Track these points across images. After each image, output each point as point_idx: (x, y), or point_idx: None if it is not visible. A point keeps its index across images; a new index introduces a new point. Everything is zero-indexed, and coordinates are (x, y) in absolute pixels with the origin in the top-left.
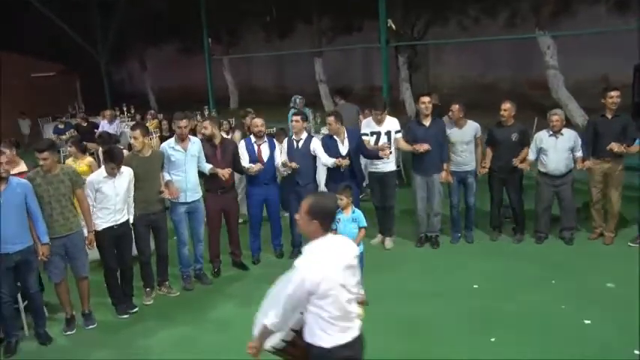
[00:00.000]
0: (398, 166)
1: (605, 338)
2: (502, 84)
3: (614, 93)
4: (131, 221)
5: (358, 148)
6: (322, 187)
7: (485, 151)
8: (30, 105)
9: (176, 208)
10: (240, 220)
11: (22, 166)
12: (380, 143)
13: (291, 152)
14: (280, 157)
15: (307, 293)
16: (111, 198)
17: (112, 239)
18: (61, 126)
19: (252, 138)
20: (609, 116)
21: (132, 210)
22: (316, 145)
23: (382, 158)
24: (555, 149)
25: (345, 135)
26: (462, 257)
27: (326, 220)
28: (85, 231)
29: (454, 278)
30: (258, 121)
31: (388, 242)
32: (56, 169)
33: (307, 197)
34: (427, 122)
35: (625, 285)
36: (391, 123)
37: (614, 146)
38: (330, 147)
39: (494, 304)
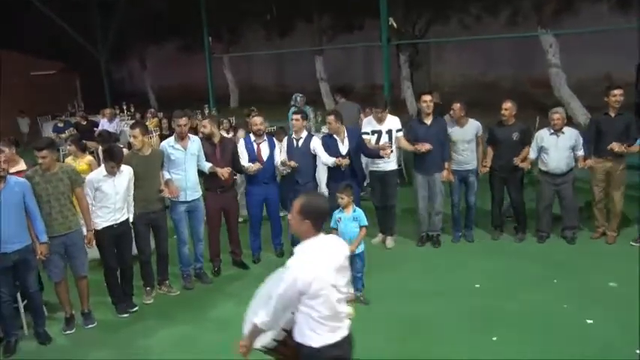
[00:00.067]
0: (399, 165)
1: (608, 338)
2: (504, 82)
3: (617, 91)
4: (131, 220)
5: (358, 147)
6: (323, 186)
7: (486, 150)
8: (29, 103)
9: (176, 207)
10: (241, 219)
11: (22, 165)
12: (381, 142)
13: (291, 151)
14: (280, 156)
15: (298, 293)
16: (111, 197)
17: (111, 238)
18: (61, 124)
19: (252, 137)
20: (612, 115)
21: (132, 209)
22: (316, 145)
23: (383, 157)
24: (556, 148)
25: (345, 134)
26: (463, 256)
27: (318, 220)
28: (85, 230)
29: (455, 277)
30: (258, 119)
31: (389, 241)
32: (55, 168)
33: (299, 197)
34: (428, 121)
35: (627, 284)
36: (392, 122)
37: (615, 146)
38: (330, 146)
39: (495, 304)
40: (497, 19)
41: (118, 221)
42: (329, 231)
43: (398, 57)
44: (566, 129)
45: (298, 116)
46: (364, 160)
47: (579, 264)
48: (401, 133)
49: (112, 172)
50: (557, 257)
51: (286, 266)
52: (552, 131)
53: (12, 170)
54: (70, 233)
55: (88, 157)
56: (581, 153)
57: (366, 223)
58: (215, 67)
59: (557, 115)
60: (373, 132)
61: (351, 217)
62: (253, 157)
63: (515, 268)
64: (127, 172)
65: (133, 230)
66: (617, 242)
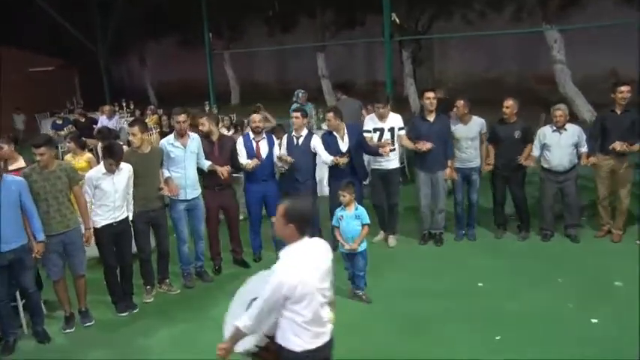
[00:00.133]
0: (402, 163)
1: (613, 337)
2: (508, 79)
3: (624, 88)
4: (130, 218)
5: (359, 144)
6: (324, 185)
7: (489, 148)
8: (28, 100)
9: (175, 206)
10: (242, 217)
11: (21, 162)
12: (383, 140)
13: (291, 149)
14: (279, 152)
15: (284, 297)
16: (110, 195)
17: (111, 236)
18: (60, 121)
19: (251, 134)
20: (618, 112)
21: (131, 207)
22: (317, 143)
23: (382, 155)
24: (559, 145)
25: (345, 131)
26: (466, 255)
27: (302, 224)
28: (83, 228)
29: (458, 276)
30: (257, 117)
31: (392, 240)
32: (53, 166)
33: (284, 201)
34: (431, 118)
35: (633, 283)
36: (395, 119)
37: (617, 145)
38: (330, 143)
39: (499, 303)
40: (502, 14)
41: (118, 219)
42: (331, 229)
43: (400, 53)
44: (568, 126)
45: (298, 114)
46: (366, 157)
47: (584, 263)
48: (403, 132)
49: (111, 170)
50: (562, 256)
51: (272, 270)
52: (555, 128)
53: (11, 167)
54: (69, 232)
55: (88, 155)
56: (584, 150)
57: (368, 221)
58: (216, 63)
59: (559, 111)
60: (375, 130)
61: (353, 215)
62: (252, 154)
63: (518, 266)
64: (126, 169)
65: (132, 228)
66: (623, 241)
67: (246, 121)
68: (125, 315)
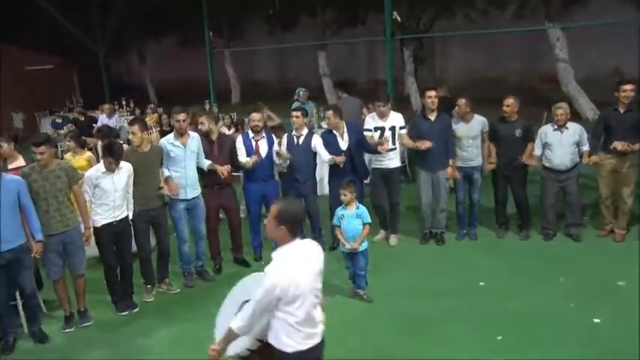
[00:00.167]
0: (403, 162)
1: (615, 337)
2: (510, 78)
3: (627, 86)
4: (130, 217)
5: (359, 142)
6: (324, 184)
7: (490, 147)
8: (27, 99)
9: (175, 205)
10: (242, 215)
11: (20, 161)
12: (386, 139)
13: (291, 148)
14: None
15: (276, 299)
16: (110, 194)
17: (111, 236)
18: (59, 120)
19: (250, 133)
20: (622, 110)
21: (131, 206)
22: (317, 142)
23: (381, 153)
24: (560, 143)
25: (345, 129)
26: (467, 254)
27: (294, 226)
28: (83, 227)
29: (460, 276)
30: (256, 115)
31: (393, 239)
32: (52, 165)
33: (276, 202)
34: (432, 117)
35: (636, 283)
36: (396, 118)
37: (618, 145)
38: (330, 142)
39: (500, 302)
40: (504, 12)
41: (118, 218)
42: (331, 228)
43: (402, 52)
44: (570, 124)
45: (298, 113)
46: (367, 157)
47: (586, 262)
48: (404, 130)
49: (110, 169)
50: (564, 255)
51: (264, 272)
52: (556, 127)
53: (11, 166)
54: (68, 231)
55: (88, 154)
56: (586, 148)
57: (369, 220)
58: (216, 62)
59: (560, 110)
60: (376, 128)
61: (354, 214)
62: (252, 153)
63: (520, 266)
64: (126, 168)
65: (132, 227)
66: (626, 240)
67: (246, 120)
68: (125, 314)
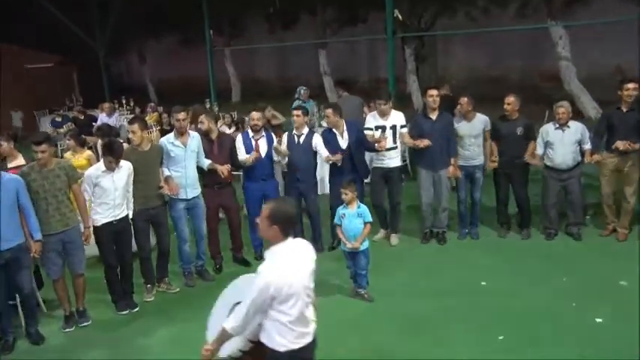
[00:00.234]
0: (404, 161)
1: (617, 337)
2: (512, 76)
3: (630, 85)
4: (130, 216)
5: (359, 141)
6: (325, 183)
7: (492, 146)
8: (26, 97)
9: (175, 205)
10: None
11: (20, 160)
12: (385, 137)
13: (292, 147)
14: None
15: (270, 298)
16: (110, 193)
17: (111, 235)
18: (59, 119)
19: (250, 132)
20: (624, 109)
21: (131, 205)
22: (318, 141)
23: (379, 151)
24: (562, 142)
25: (345, 128)
26: (469, 254)
27: (286, 226)
28: (82, 226)
29: (461, 275)
30: (255, 114)
31: (394, 239)
32: (52, 164)
33: (268, 202)
34: (434, 116)
35: (638, 283)
36: (397, 117)
37: (620, 144)
38: (330, 140)
39: (502, 302)
40: (506, 10)
41: (118, 217)
42: (330, 227)
43: (403, 50)
44: (571, 123)
45: (299, 112)
46: (368, 156)
47: (588, 262)
48: (405, 129)
49: (110, 168)
50: (566, 255)
51: (257, 272)
52: (557, 125)
53: (11, 165)
54: (68, 230)
55: (87, 152)
56: (588, 147)
57: (370, 219)
58: (216, 60)
59: (562, 109)
60: (377, 127)
61: (355, 213)
62: (251, 152)
63: (522, 265)
64: (126, 167)
65: (132, 227)
66: (629, 239)
67: (247, 118)
68: (125, 314)
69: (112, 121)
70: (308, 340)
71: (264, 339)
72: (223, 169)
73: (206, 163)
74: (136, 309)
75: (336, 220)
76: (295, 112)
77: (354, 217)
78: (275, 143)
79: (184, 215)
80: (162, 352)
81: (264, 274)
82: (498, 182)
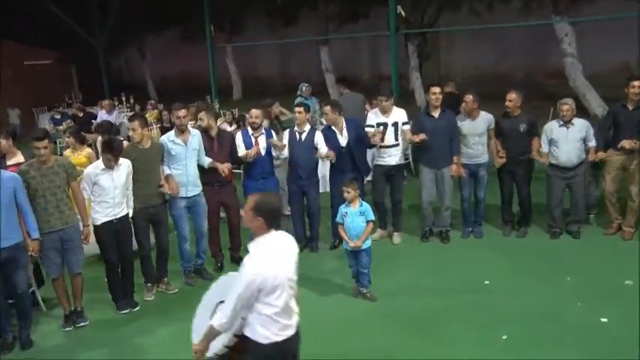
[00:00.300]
0: (407, 159)
1: (623, 337)
2: (517, 73)
3: (637, 83)
4: (130, 215)
5: (358, 138)
6: (327, 180)
7: (497, 143)
8: (25, 94)
9: (176, 203)
10: None
11: (19, 157)
12: (386, 135)
13: (294, 144)
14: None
15: (257, 289)
16: (109, 191)
17: (111, 233)
18: (58, 116)
19: (249, 130)
20: (630, 107)
21: (131, 204)
22: (319, 139)
23: (375, 146)
24: (566, 140)
25: (344, 125)
26: (472, 252)
27: (270, 218)
28: (81, 225)
29: (464, 274)
30: (254, 112)
31: (396, 237)
32: (51, 161)
33: (254, 195)
34: (436, 113)
35: None
36: (398, 114)
37: (626, 143)
38: (330, 138)
39: (505, 301)
40: (510, 6)
41: (118, 216)
42: (335, 225)
43: (406, 47)
44: (575, 120)
45: (301, 109)
46: (369, 155)
47: (593, 261)
48: (407, 126)
49: (109, 166)
50: (571, 254)
51: (242, 264)
52: (562, 123)
53: (9, 162)
54: (67, 228)
55: (87, 150)
56: (592, 144)
57: (372, 217)
58: (217, 57)
59: (566, 106)
60: (378, 124)
61: (357, 211)
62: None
63: (526, 264)
64: (125, 165)
65: (132, 225)
66: (634, 238)
67: (248, 116)
68: (126, 313)
69: (112, 118)
70: (290, 332)
71: (247, 332)
72: (224, 168)
73: (207, 161)
74: (137, 308)
75: (338, 219)
76: (297, 109)
77: (356, 216)
78: (274, 138)
79: (185, 214)
80: (162, 351)
81: (249, 267)
82: (502, 179)
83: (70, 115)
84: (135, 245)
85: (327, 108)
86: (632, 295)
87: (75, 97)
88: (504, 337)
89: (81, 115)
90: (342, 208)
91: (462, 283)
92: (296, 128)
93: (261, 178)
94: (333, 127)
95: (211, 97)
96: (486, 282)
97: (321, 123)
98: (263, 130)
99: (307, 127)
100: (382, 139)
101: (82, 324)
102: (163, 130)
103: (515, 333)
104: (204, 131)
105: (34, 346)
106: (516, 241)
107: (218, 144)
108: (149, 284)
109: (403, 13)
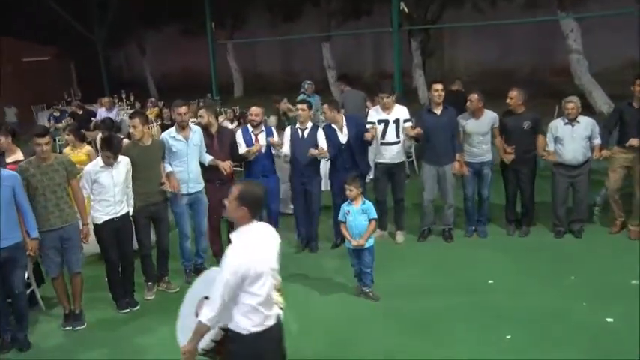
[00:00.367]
0: (409, 157)
1: (628, 337)
2: (521, 70)
3: None
4: (131, 213)
5: (359, 136)
6: (327, 179)
7: (502, 142)
8: (23, 92)
9: (177, 200)
10: None
11: (19, 155)
12: (388, 132)
13: (296, 142)
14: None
15: (242, 278)
16: (109, 189)
17: (112, 232)
18: (57, 114)
19: (249, 127)
20: (636, 105)
21: (131, 202)
22: (321, 138)
23: (371, 143)
24: (572, 138)
25: (344, 123)
26: (476, 251)
27: (254, 208)
28: (80, 224)
29: (468, 273)
30: (255, 109)
31: (399, 236)
32: (51, 159)
33: (238, 184)
34: (438, 111)
35: None
36: (400, 111)
37: (634, 142)
38: (330, 136)
39: (510, 301)
40: (514, 2)
41: (119, 215)
42: (337, 224)
43: (409, 43)
44: (581, 118)
45: (304, 105)
46: (371, 154)
47: (598, 260)
48: (409, 124)
49: (108, 163)
50: (575, 253)
51: (225, 255)
52: (567, 121)
53: (9, 160)
54: (67, 227)
55: (87, 148)
56: (597, 142)
57: (375, 215)
58: (218, 54)
59: (571, 104)
60: (380, 122)
61: (360, 209)
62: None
63: (530, 264)
64: (124, 162)
65: (133, 224)
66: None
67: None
68: (126, 312)
69: (112, 116)
70: (270, 322)
71: (230, 324)
72: (225, 166)
73: (207, 159)
74: (137, 307)
75: (340, 217)
76: (300, 106)
77: (358, 214)
78: (274, 138)
79: (187, 211)
80: (163, 351)
81: (232, 256)
82: (507, 177)
83: (69, 112)
84: (135, 244)
85: (325, 106)
86: (637, 294)
87: (74, 94)
88: (508, 337)
89: (80, 112)
90: (345, 207)
91: (466, 282)
92: (298, 125)
93: (262, 176)
94: (333, 126)
95: (212, 94)
96: (490, 281)
97: (323, 121)
98: (263, 128)
99: (309, 125)
100: (374, 137)
101: (79, 327)
102: (164, 128)
103: (519, 333)
104: (204, 129)
105: (34, 346)
106: (520, 240)
107: (218, 141)
108: (150, 283)
109: (406, 10)
